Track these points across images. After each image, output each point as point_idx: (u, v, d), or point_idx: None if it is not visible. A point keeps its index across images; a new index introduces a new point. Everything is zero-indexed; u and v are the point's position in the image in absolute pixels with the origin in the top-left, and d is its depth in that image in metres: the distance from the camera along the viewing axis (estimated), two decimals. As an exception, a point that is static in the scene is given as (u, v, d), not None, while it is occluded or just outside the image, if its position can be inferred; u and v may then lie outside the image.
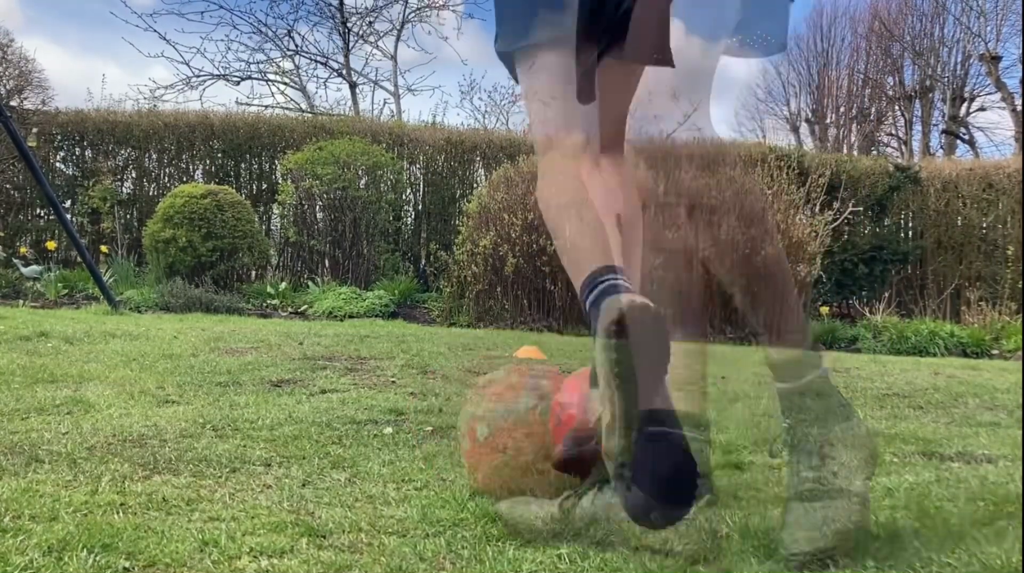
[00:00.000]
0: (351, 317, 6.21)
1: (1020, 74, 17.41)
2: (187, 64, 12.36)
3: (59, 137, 8.51)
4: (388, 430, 2.17)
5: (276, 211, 8.37)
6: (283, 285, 7.13)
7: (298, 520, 1.44)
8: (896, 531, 1.45)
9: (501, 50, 1.58)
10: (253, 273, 8.01)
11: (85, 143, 8.51)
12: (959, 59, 19.12)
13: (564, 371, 1.67)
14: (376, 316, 6.26)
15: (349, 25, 12.72)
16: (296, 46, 12.54)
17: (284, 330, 4.65)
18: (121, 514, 1.44)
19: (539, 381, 1.60)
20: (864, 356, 5.34)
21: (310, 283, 7.34)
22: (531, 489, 1.50)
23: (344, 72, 12.92)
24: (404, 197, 8.55)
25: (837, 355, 5.26)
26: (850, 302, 8.17)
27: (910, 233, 8.92)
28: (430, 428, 2.25)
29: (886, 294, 7.87)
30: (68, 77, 21.67)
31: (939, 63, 19.37)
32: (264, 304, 6.74)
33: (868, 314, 7.24)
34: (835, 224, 7.28)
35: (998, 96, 17.85)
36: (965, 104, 19.24)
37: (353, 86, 12.58)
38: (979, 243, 8.59)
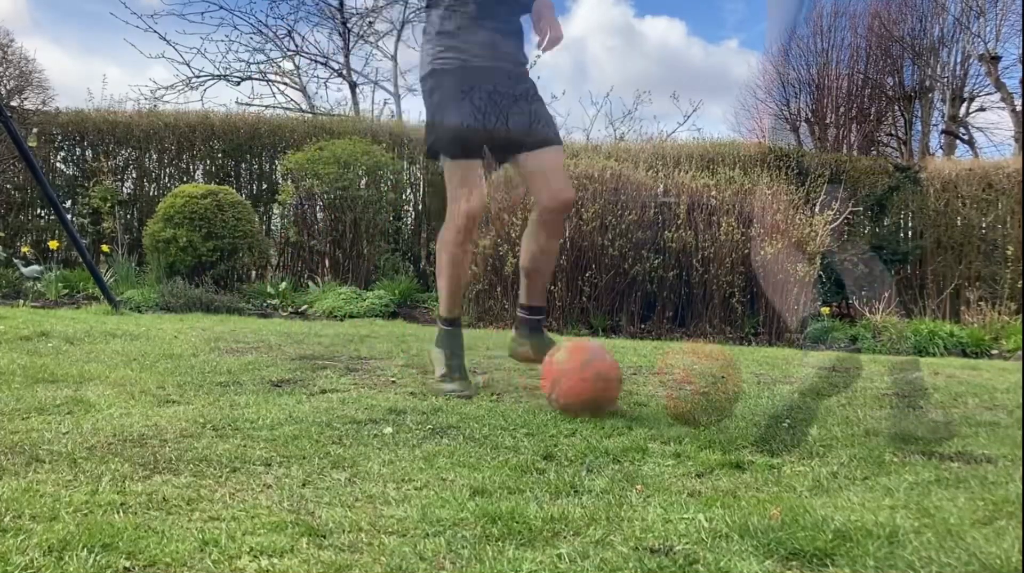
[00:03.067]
0: (351, 317, 6.21)
1: (1020, 74, 17.38)
2: (188, 65, 12.30)
3: (59, 137, 8.50)
4: (388, 430, 2.18)
5: (276, 211, 8.37)
6: (283, 285, 7.13)
7: (298, 520, 1.44)
8: (896, 531, 1.45)
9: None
10: (253, 273, 8.01)
11: (85, 143, 8.51)
12: (959, 59, 19.11)
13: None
14: (376, 316, 6.26)
15: (349, 25, 12.71)
16: (296, 46, 12.53)
17: (284, 330, 4.65)
18: (121, 514, 1.44)
19: None
20: (864, 356, 5.34)
21: (310, 283, 7.34)
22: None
23: (344, 72, 12.91)
24: (404, 197, 8.55)
25: (837, 355, 5.25)
26: (850, 302, 8.17)
27: (910, 233, 8.92)
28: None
29: (886, 294, 7.86)
30: (69, 77, 21.65)
31: (939, 63, 19.36)
32: (264, 304, 6.74)
33: (868, 314, 7.24)
34: (835, 224, 7.28)
35: (998, 96, 17.84)
36: (965, 104, 19.23)
37: (353, 86, 12.57)
38: (979, 243, 8.59)
